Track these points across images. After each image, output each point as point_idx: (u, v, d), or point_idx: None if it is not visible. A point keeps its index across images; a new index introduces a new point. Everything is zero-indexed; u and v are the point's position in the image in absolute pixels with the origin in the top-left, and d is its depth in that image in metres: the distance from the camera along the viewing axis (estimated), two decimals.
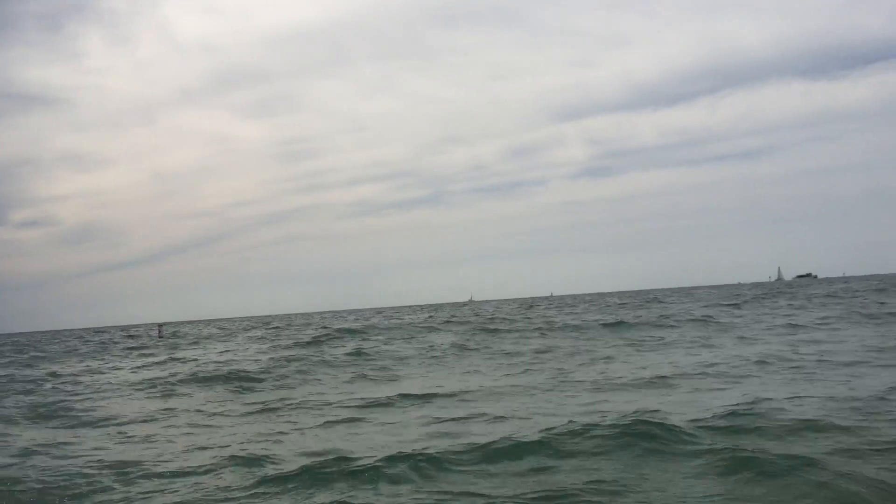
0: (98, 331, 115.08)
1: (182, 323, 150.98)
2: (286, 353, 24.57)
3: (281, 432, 10.56)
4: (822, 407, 9.43)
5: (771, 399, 10.02)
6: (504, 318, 41.98)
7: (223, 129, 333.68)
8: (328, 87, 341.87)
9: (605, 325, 28.32)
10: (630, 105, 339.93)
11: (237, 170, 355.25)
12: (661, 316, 31.83)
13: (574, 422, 8.88)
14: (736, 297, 54.44)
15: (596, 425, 8.53)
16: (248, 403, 14.04)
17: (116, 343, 49.65)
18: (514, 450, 7.91)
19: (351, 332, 34.71)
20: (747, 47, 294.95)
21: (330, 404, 13.03)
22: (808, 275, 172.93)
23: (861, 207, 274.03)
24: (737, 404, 9.65)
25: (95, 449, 10.14)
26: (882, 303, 32.27)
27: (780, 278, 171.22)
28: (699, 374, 13.83)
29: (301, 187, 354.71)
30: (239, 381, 17.58)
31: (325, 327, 43.83)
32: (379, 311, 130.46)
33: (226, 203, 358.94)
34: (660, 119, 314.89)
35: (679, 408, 9.91)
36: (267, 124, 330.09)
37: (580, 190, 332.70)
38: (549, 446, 7.95)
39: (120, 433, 11.40)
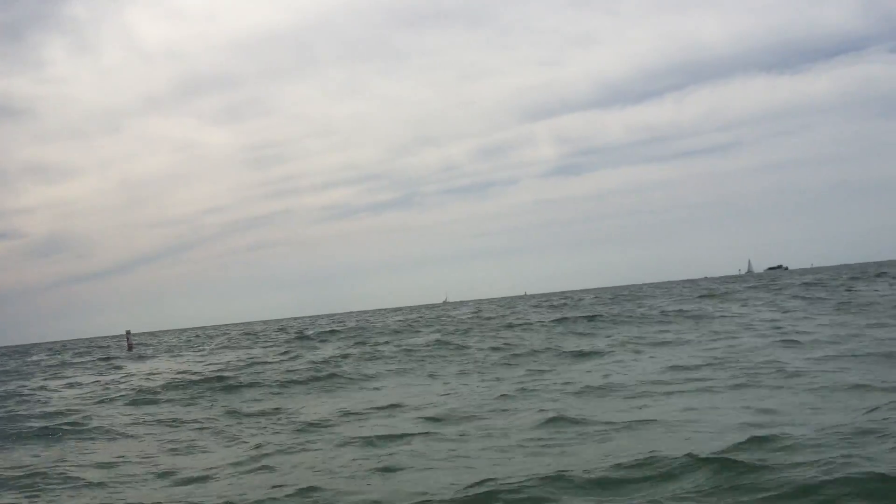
0: (64, 344, 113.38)
1: (156, 332, 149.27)
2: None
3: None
4: None
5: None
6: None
7: (191, 136, 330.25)
8: (296, 91, 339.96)
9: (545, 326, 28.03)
10: (599, 103, 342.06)
11: (207, 176, 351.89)
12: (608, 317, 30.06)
13: None
14: (706, 290, 54.69)
15: None
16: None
17: (81, 356, 48.95)
18: None
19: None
20: (712, 43, 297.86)
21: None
22: (779, 266, 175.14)
23: (827, 199, 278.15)
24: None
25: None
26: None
27: (750, 271, 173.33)
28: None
29: (272, 192, 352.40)
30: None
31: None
32: (352, 314, 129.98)
33: (196, 210, 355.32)
34: (628, 116, 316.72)
35: None
36: (236, 130, 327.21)
37: (552, 188, 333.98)
38: None
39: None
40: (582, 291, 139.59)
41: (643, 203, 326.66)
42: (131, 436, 11.90)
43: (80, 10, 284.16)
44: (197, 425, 12.19)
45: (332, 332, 39.64)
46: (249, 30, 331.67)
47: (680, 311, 29.40)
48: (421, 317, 56.80)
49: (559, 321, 28.88)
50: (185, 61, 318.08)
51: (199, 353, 35.00)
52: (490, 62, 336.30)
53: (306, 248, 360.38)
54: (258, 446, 9.81)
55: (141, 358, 36.14)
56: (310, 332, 41.54)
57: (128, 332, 71.42)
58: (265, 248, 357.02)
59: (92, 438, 11.81)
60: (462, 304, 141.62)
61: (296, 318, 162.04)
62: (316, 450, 9.27)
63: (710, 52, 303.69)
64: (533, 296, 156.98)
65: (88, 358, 42.76)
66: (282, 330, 58.71)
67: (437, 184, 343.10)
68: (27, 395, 19.71)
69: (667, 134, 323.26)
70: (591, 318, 28.62)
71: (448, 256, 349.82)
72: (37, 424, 13.37)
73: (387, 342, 26.71)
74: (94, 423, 13.13)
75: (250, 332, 62.21)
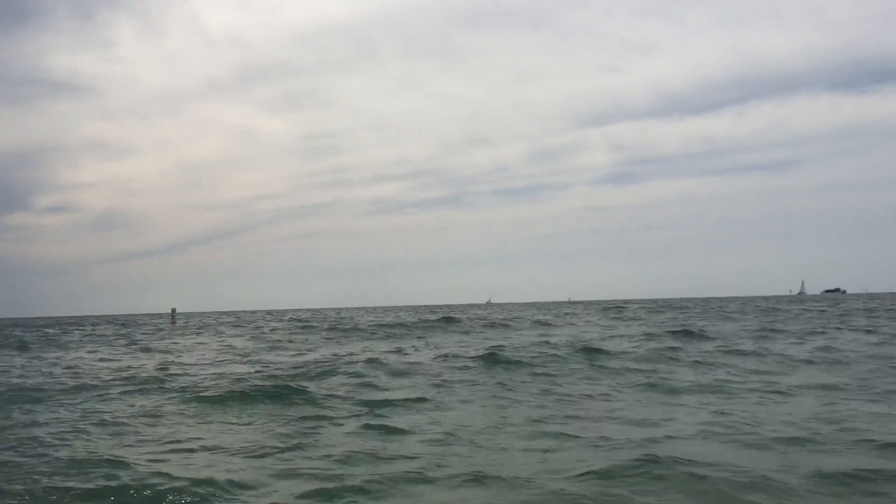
0: (112, 319, 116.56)
1: (203, 314, 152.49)
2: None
3: None
4: None
5: None
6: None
7: (248, 123, 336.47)
8: (354, 84, 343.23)
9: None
10: (656, 112, 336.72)
11: (261, 163, 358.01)
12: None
13: None
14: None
15: None
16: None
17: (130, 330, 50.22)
18: None
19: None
20: (776, 58, 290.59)
21: None
22: (837, 290, 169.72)
23: (885, 223, 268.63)
24: None
25: None
26: None
27: (802, 292, 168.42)
28: None
29: (324, 183, 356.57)
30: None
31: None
32: (395, 309, 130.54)
33: (249, 196, 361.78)
34: (686, 127, 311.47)
35: None
36: (292, 119, 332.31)
37: (602, 196, 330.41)
38: None
39: None
40: (628, 301, 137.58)
41: (695, 216, 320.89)
42: None
43: None
44: None
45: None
46: (311, 21, 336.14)
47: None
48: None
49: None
50: (248, 49, 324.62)
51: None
52: (548, 65, 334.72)
53: (353, 240, 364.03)
54: None
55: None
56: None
57: (173, 310, 73.29)
58: (313, 237, 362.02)
59: None
60: (505, 305, 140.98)
61: (341, 309, 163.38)
62: None
63: (774, 67, 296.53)
64: (580, 302, 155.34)
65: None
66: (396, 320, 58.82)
67: (488, 184, 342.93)
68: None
69: (725, 147, 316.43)
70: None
71: (494, 257, 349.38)
72: None
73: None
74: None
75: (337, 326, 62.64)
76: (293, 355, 22.68)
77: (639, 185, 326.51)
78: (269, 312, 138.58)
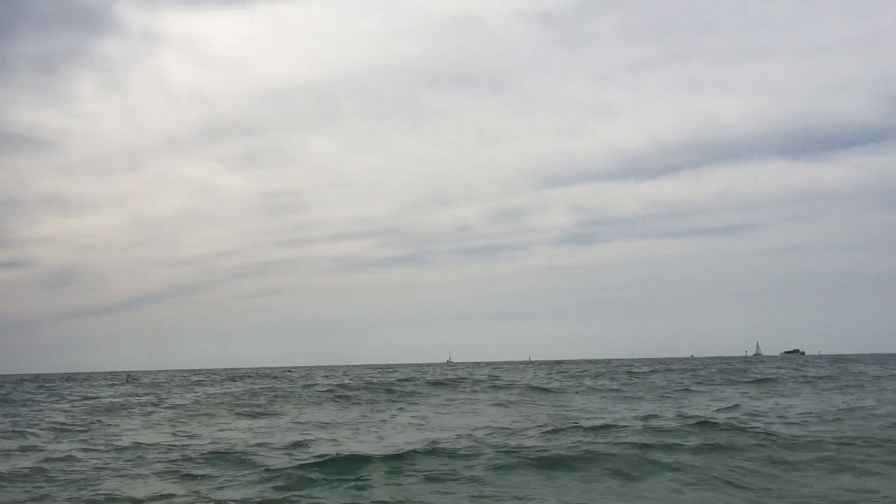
0: (67, 377, 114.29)
1: (158, 371, 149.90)
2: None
3: None
4: None
5: None
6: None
7: (210, 179, 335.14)
8: (317, 143, 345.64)
9: None
10: (615, 175, 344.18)
11: (222, 220, 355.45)
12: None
13: None
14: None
15: None
16: None
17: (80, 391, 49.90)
18: None
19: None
20: (730, 124, 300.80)
21: None
22: (796, 351, 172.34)
23: (837, 287, 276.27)
24: None
25: None
26: None
27: (758, 353, 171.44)
28: None
29: (285, 240, 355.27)
30: None
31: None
32: (356, 368, 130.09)
33: (208, 252, 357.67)
34: (644, 190, 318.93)
35: None
36: (254, 176, 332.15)
37: (563, 256, 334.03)
38: None
39: None
40: (584, 362, 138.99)
41: (653, 277, 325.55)
42: None
43: (113, 50, 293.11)
44: None
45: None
46: (276, 80, 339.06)
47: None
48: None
49: None
50: (211, 106, 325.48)
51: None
52: (509, 127, 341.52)
53: (314, 298, 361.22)
54: None
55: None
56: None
57: (128, 374, 72.85)
58: (273, 294, 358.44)
59: None
60: (465, 364, 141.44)
61: (298, 368, 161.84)
62: None
63: (727, 133, 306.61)
64: (536, 362, 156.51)
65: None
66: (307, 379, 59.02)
67: (450, 243, 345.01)
68: None
69: (681, 210, 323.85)
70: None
71: (455, 316, 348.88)
72: None
73: None
74: None
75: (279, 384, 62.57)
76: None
77: (598, 246, 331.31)
78: (225, 370, 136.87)
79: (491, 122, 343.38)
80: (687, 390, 31.87)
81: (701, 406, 23.53)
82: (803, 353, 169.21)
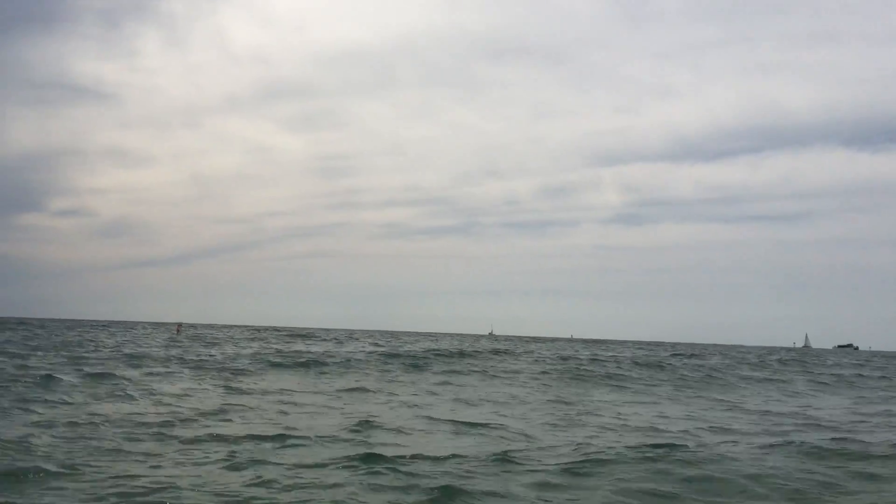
0: (116, 324, 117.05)
1: (205, 325, 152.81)
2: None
3: None
4: None
5: None
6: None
7: (265, 139, 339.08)
8: (372, 108, 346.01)
9: None
10: (670, 156, 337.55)
11: (274, 180, 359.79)
12: None
13: None
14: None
15: None
16: None
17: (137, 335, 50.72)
18: None
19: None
20: (793, 110, 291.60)
21: None
22: (849, 345, 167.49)
23: (894, 282, 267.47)
24: None
25: None
26: None
27: (806, 345, 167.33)
28: None
29: (335, 204, 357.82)
30: None
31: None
32: (396, 334, 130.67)
33: (259, 212, 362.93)
34: (699, 173, 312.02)
35: None
36: (308, 138, 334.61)
37: (611, 235, 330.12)
38: None
39: None
40: (627, 343, 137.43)
41: (702, 262, 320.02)
42: None
43: (177, 6, 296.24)
44: None
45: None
46: (335, 44, 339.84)
47: None
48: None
49: None
50: (270, 67, 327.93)
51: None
52: (565, 102, 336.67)
53: (360, 263, 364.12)
54: None
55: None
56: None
57: (179, 325, 73.98)
58: (321, 257, 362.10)
59: None
60: (506, 337, 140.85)
61: (338, 330, 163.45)
62: None
63: (790, 119, 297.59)
64: (577, 340, 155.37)
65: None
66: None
67: (498, 216, 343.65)
68: None
69: (737, 195, 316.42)
70: None
71: (499, 289, 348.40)
72: None
73: None
74: None
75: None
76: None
77: (648, 228, 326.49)
78: (276, 329, 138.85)
79: (547, 96, 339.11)
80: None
81: None
82: (856, 348, 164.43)
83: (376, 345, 50.37)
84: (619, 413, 17.26)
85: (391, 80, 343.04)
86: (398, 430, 13.00)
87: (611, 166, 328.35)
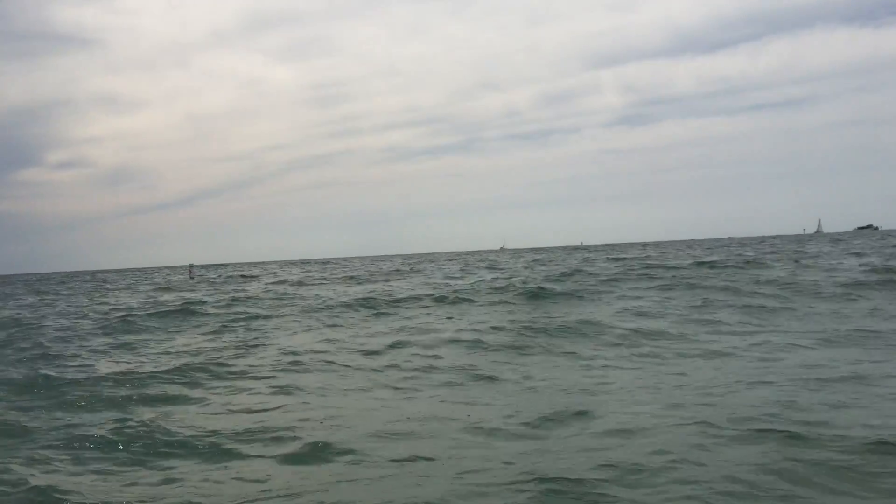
0: (126, 272, 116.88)
1: (216, 266, 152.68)
2: None
3: None
4: None
5: None
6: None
7: (256, 72, 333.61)
8: (362, 31, 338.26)
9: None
10: (669, 52, 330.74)
11: (271, 113, 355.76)
12: None
13: None
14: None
15: None
16: None
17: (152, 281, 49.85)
18: None
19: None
20: None
21: None
22: (869, 226, 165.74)
23: None
24: None
25: None
26: None
27: (819, 231, 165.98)
28: None
29: (334, 132, 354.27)
30: None
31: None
32: (408, 257, 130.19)
33: (259, 147, 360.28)
34: (699, 66, 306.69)
35: None
36: (300, 68, 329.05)
37: (615, 138, 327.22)
38: None
39: None
40: (639, 245, 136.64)
41: (709, 156, 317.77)
42: None
43: None
44: None
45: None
46: None
47: None
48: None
49: None
50: None
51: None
52: (558, 6, 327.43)
53: (365, 189, 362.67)
54: None
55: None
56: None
57: (191, 266, 73.02)
58: (324, 187, 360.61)
59: None
60: (518, 250, 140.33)
61: (350, 259, 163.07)
62: None
63: (789, 1, 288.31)
64: (589, 247, 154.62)
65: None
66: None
67: (499, 129, 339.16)
68: None
69: (738, 86, 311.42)
70: None
71: (507, 203, 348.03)
72: None
73: None
74: None
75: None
76: None
77: (652, 127, 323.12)
78: (293, 263, 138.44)
79: (539, 1, 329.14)
80: None
81: None
82: (877, 228, 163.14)
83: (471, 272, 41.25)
84: None
85: (380, 0, 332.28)
86: None
87: (609, 67, 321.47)
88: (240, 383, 10.15)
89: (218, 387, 9.96)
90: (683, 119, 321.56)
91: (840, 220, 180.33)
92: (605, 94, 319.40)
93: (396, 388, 9.36)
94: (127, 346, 14.68)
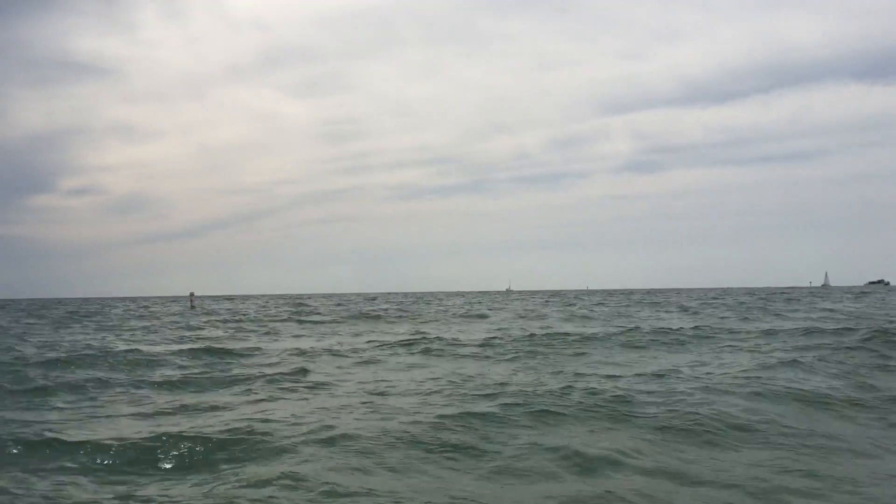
0: (127, 299, 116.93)
1: (219, 297, 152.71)
2: None
3: None
4: None
5: None
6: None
7: (270, 107, 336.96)
8: (376, 69, 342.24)
9: None
10: (679, 101, 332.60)
11: (283, 148, 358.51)
12: None
13: None
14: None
15: None
16: None
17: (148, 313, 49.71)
18: None
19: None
20: (803, 46, 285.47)
21: None
22: (881, 281, 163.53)
23: None
24: None
25: None
26: None
27: (826, 284, 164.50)
28: None
29: (345, 168, 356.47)
30: None
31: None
32: (417, 296, 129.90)
33: (270, 180, 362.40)
34: (709, 116, 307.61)
35: None
36: (313, 104, 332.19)
37: (623, 184, 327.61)
38: None
39: None
40: (643, 291, 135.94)
41: (716, 206, 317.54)
42: None
43: None
44: None
45: None
46: (335, 5, 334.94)
47: None
48: None
49: None
50: (270, 32, 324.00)
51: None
52: (570, 52, 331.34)
53: (373, 226, 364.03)
54: None
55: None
56: None
57: (191, 295, 72.86)
58: (333, 222, 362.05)
59: None
60: (524, 293, 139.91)
61: (356, 294, 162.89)
62: None
63: (800, 55, 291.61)
64: (596, 291, 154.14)
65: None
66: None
67: (508, 171, 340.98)
68: None
69: (748, 137, 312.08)
70: None
71: (514, 245, 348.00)
72: None
73: None
74: None
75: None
76: None
77: (660, 174, 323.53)
78: (297, 296, 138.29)
79: (552, 46, 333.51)
80: None
81: None
82: (887, 283, 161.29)
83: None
84: None
85: (394, 40, 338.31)
86: None
87: (620, 114, 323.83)
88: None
89: None
90: (692, 168, 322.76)
91: (848, 275, 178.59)
92: (615, 140, 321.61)
93: None
94: None
